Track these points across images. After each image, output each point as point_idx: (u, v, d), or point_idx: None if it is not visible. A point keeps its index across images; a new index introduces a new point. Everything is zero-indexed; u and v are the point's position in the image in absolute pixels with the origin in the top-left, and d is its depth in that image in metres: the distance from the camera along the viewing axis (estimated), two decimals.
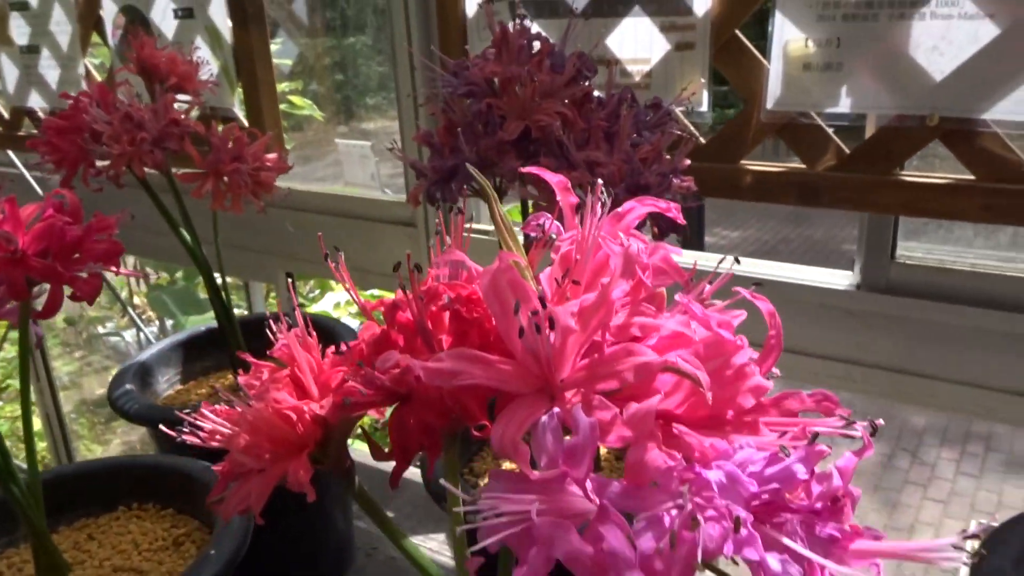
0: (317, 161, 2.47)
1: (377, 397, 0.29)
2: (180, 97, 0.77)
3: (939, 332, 0.84)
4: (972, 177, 0.77)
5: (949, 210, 0.79)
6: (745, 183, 0.87)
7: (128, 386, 0.79)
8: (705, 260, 1.01)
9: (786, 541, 0.21)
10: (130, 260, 2.30)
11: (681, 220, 0.31)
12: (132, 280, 2.31)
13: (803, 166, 0.85)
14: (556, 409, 0.24)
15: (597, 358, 0.26)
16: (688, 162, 0.58)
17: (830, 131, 0.83)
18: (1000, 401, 0.83)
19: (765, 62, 0.82)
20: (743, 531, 0.21)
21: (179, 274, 1.90)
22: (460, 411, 0.27)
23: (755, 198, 0.89)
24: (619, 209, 0.30)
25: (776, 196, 0.89)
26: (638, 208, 0.30)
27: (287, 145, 1.32)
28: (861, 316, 0.88)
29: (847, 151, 0.82)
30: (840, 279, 0.90)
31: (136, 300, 2.26)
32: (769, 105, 0.83)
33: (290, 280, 1.26)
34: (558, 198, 0.31)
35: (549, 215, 0.31)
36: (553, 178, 0.31)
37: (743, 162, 0.87)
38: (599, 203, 0.28)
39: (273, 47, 1.19)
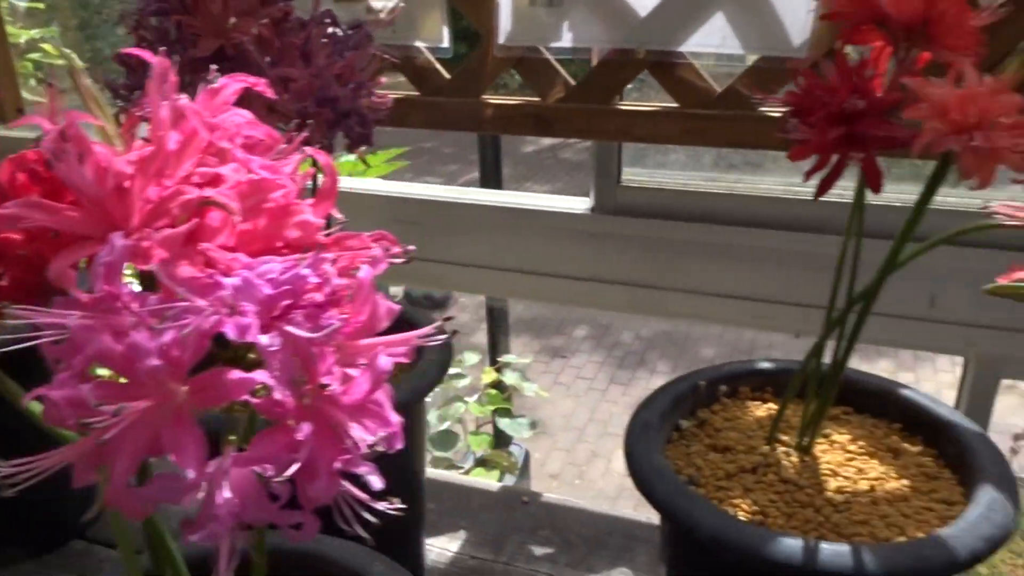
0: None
1: None
2: None
3: (661, 246, 0.95)
4: (676, 104, 0.87)
5: (658, 135, 0.88)
6: (486, 116, 0.93)
7: None
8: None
9: (289, 328, 0.26)
10: None
11: (270, 94, 0.34)
12: None
13: (537, 98, 0.92)
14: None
15: (155, 202, 0.29)
16: (383, 79, 0.62)
17: (558, 64, 0.90)
18: (713, 304, 0.95)
19: None
20: (245, 319, 0.25)
21: None
22: (42, 262, 0.30)
23: (496, 130, 0.95)
24: (214, 85, 0.34)
25: (514, 128, 0.95)
26: (232, 84, 0.34)
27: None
28: (597, 237, 0.97)
29: (573, 83, 0.90)
30: (578, 204, 0.99)
31: None
32: (501, 40, 0.89)
33: None
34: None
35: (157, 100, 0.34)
36: (153, 59, 0.33)
37: (484, 96, 0.93)
38: (162, 74, 0.31)
39: None
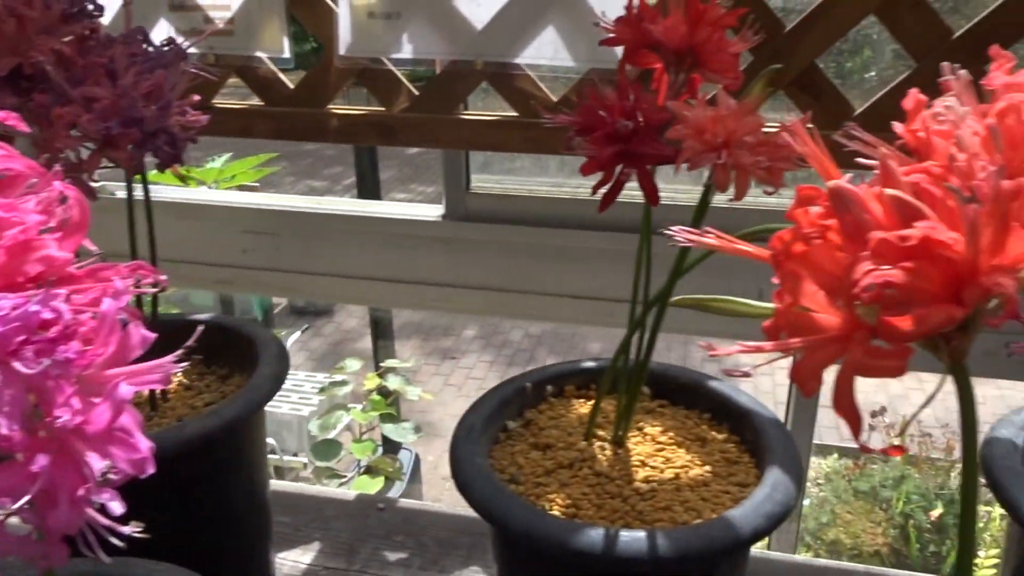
0: None
1: None
2: None
3: (510, 251, 0.97)
4: (516, 114, 0.90)
5: (500, 143, 0.91)
6: (332, 126, 0.93)
7: None
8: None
9: (15, 365, 0.26)
10: None
11: (23, 127, 0.34)
12: None
13: (383, 108, 0.93)
14: None
15: None
16: (197, 97, 0.61)
17: (401, 75, 0.91)
18: (560, 305, 0.98)
19: (336, 8, 0.88)
20: None
21: None
22: None
23: (342, 140, 0.96)
24: None
25: (361, 137, 0.96)
26: None
27: None
28: (449, 243, 0.99)
29: (416, 93, 0.91)
30: (431, 211, 1.01)
31: None
32: (341, 51, 0.89)
33: None
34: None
35: None
36: None
37: (329, 106, 0.93)
38: None
39: None
